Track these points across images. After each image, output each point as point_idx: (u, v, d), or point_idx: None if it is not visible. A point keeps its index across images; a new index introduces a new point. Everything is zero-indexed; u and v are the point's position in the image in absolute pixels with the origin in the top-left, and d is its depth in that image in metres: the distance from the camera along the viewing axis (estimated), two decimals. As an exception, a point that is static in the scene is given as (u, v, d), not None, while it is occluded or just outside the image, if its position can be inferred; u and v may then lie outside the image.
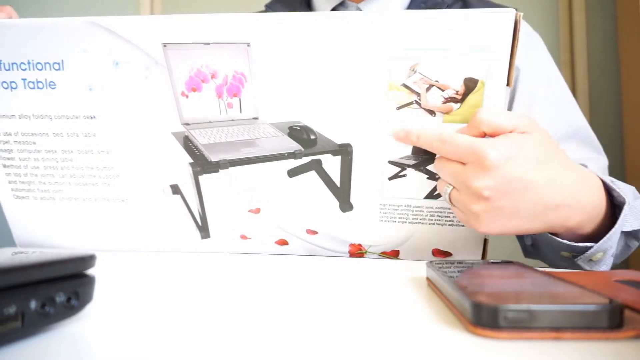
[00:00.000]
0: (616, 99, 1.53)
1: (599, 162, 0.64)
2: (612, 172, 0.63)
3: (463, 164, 0.39)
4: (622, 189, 0.51)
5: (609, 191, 0.43)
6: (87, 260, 0.26)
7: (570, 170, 0.40)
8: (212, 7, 1.64)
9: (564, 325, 0.22)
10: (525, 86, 0.66)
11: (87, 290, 0.26)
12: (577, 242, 0.44)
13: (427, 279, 0.35)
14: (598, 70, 1.54)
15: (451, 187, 0.41)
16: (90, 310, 0.27)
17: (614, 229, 0.42)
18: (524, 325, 0.22)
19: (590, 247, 0.43)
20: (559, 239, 0.44)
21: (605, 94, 1.53)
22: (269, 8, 0.79)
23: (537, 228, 0.40)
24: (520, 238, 0.63)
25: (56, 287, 0.24)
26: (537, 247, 0.57)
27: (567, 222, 0.40)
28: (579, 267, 0.47)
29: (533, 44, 0.69)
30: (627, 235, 0.53)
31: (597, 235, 0.43)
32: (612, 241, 0.43)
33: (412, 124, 0.42)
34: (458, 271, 0.32)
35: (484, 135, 0.39)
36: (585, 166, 0.55)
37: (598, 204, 0.41)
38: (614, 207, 0.44)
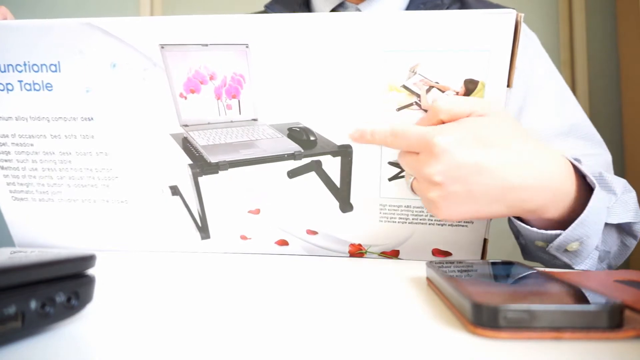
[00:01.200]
0: (616, 99, 1.53)
1: (602, 157, 0.63)
2: (613, 171, 0.63)
3: (417, 154, 0.39)
4: (611, 181, 0.50)
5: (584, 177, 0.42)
6: (87, 260, 0.26)
7: (532, 151, 0.39)
8: (212, 7, 1.64)
9: (564, 325, 0.22)
10: (520, 84, 0.66)
11: (87, 290, 0.26)
12: (545, 229, 0.43)
13: (427, 279, 0.35)
14: (598, 70, 1.54)
15: (412, 178, 0.41)
16: (90, 310, 0.27)
17: (583, 214, 0.41)
18: (524, 325, 0.22)
19: (559, 235, 0.42)
20: (527, 226, 0.43)
21: (605, 94, 1.53)
22: (268, 9, 0.79)
23: (498, 211, 0.39)
24: (517, 238, 0.62)
25: (56, 287, 0.24)
26: (518, 239, 0.56)
27: (528, 205, 0.39)
28: (559, 263, 0.46)
29: (529, 43, 0.69)
30: (621, 231, 0.52)
31: (569, 222, 0.42)
32: (587, 229, 0.42)
33: (368, 123, 0.41)
34: (458, 271, 0.32)
35: (443, 123, 0.39)
36: (580, 160, 0.55)
37: (565, 187, 0.40)
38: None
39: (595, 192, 0.41)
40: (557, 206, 0.41)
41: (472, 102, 0.39)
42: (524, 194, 0.38)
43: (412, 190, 0.42)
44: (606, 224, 0.48)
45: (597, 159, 0.61)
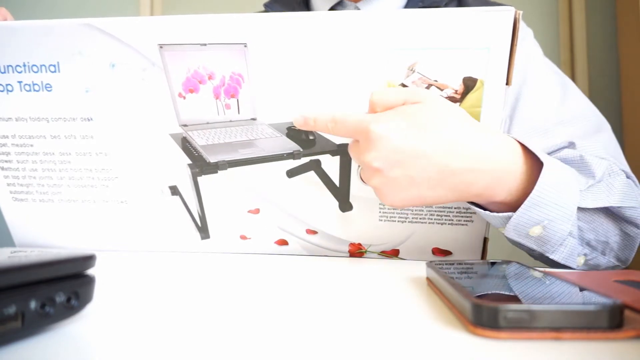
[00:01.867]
0: (616, 99, 1.53)
1: (609, 131, 0.59)
2: (622, 153, 0.60)
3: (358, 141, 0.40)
4: (591, 163, 0.47)
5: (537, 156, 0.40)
6: (87, 260, 0.26)
7: (472, 134, 0.38)
8: (212, 8, 1.64)
9: (564, 325, 0.22)
10: (516, 76, 0.64)
11: (87, 290, 0.26)
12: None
13: (427, 279, 0.35)
14: (598, 70, 1.54)
15: (360, 167, 0.42)
16: (90, 310, 0.27)
17: (534, 193, 0.39)
18: (524, 325, 0.22)
19: (511, 216, 0.40)
20: (482, 210, 0.43)
21: (605, 94, 1.54)
22: (268, 7, 0.79)
23: (443, 196, 0.39)
24: None
25: (56, 287, 0.24)
26: None
27: (472, 188, 0.39)
28: (534, 253, 0.45)
29: (524, 36, 0.69)
30: (616, 218, 0.48)
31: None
32: (545, 211, 0.40)
33: (308, 110, 0.42)
34: (458, 271, 0.32)
35: None
36: (574, 143, 0.53)
37: (510, 167, 0.39)
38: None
39: (545, 168, 0.39)
40: (504, 188, 0.40)
41: (405, 91, 0.40)
42: (465, 177, 0.38)
43: (361, 179, 0.42)
44: (588, 209, 0.46)
45: (599, 137, 0.57)
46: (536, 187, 0.39)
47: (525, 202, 0.39)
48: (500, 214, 0.41)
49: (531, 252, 0.47)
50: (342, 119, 0.39)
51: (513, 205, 0.41)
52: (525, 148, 0.41)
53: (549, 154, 0.53)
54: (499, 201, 0.41)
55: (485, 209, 0.43)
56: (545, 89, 0.63)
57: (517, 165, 0.40)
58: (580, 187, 0.44)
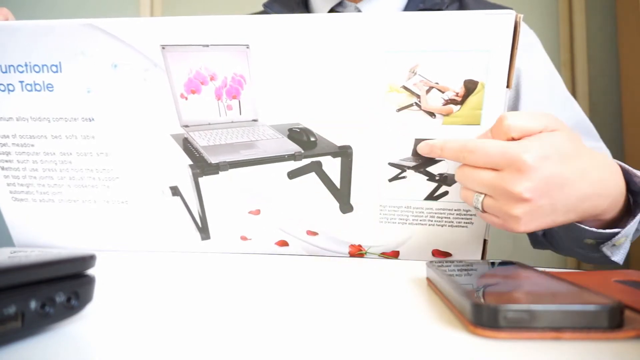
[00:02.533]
0: (616, 99, 1.53)
1: (604, 150, 0.65)
2: None
3: (494, 170, 0.38)
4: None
5: (625, 176, 0.44)
6: (87, 260, 0.26)
7: (595, 160, 0.40)
8: (212, 7, 1.64)
9: (564, 325, 0.22)
10: (529, 87, 0.66)
11: (87, 290, 0.26)
12: (598, 228, 0.45)
13: (427, 279, 0.35)
14: (598, 70, 1.54)
15: (482, 196, 0.40)
16: (90, 310, 0.27)
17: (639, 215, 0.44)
18: (524, 325, 0.22)
19: (617, 233, 0.44)
20: (586, 227, 0.45)
21: (605, 94, 1.54)
22: (267, 7, 0.79)
23: (570, 219, 0.40)
24: (543, 236, 0.63)
25: (56, 287, 0.24)
26: (552, 236, 0.57)
27: (597, 210, 0.41)
28: (596, 255, 0.48)
29: (531, 43, 0.70)
30: None
31: (615, 220, 0.45)
32: (635, 225, 0.45)
33: (437, 136, 0.43)
34: (458, 271, 0.32)
35: (512, 140, 0.39)
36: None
37: (621, 190, 0.43)
38: (629, 191, 0.45)
39: None
40: (617, 208, 0.43)
41: (542, 117, 0.39)
42: (594, 201, 0.40)
43: (483, 208, 0.41)
44: None
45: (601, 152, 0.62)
46: None
47: (634, 220, 0.44)
48: (610, 230, 0.45)
49: (591, 260, 0.52)
50: (482, 148, 0.38)
51: (610, 222, 0.45)
52: (622, 168, 0.44)
53: None
54: (607, 219, 0.44)
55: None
56: (546, 99, 0.66)
57: (623, 187, 0.43)
58: None
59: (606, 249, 0.46)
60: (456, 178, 0.42)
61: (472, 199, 0.41)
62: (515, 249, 0.53)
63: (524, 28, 0.70)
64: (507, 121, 0.38)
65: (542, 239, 0.61)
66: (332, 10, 0.74)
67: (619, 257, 0.48)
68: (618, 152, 1.48)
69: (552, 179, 0.37)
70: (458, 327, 0.25)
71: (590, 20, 1.55)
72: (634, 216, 0.44)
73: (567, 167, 0.38)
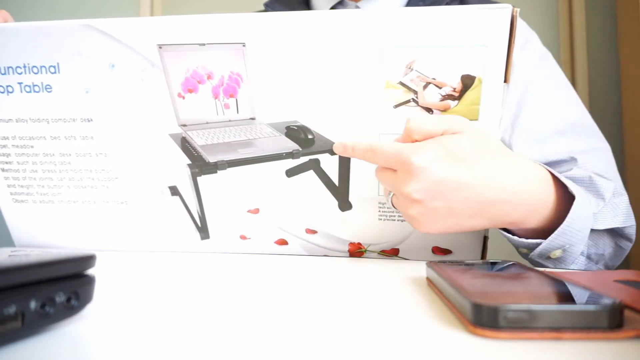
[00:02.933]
0: (616, 99, 1.53)
1: (605, 152, 0.62)
2: (615, 163, 0.62)
3: (393, 171, 0.39)
4: (600, 185, 0.50)
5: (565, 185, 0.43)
6: (87, 260, 0.26)
7: (509, 165, 0.39)
8: (213, 8, 1.64)
9: (564, 325, 0.22)
10: (518, 82, 0.64)
11: (87, 290, 0.26)
12: (530, 238, 0.44)
13: (427, 279, 0.35)
14: (598, 70, 1.54)
15: (391, 194, 0.42)
16: (90, 310, 0.27)
17: (564, 225, 0.41)
18: (524, 325, 0.22)
19: (540, 244, 0.43)
20: (510, 235, 0.44)
21: (605, 94, 1.54)
22: (268, 7, 0.79)
23: (479, 224, 0.39)
24: None
25: (56, 287, 0.24)
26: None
27: (508, 217, 0.40)
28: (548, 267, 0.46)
29: (529, 39, 0.69)
30: (614, 235, 0.52)
31: (553, 230, 0.42)
32: (569, 238, 0.42)
33: (351, 136, 0.43)
34: (458, 271, 0.32)
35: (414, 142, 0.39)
36: (576, 159, 0.55)
37: (543, 198, 0.41)
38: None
39: (576, 202, 0.41)
40: (537, 217, 0.41)
41: (445, 120, 0.39)
42: (503, 207, 0.39)
43: (393, 205, 0.42)
44: (596, 230, 0.49)
45: (599, 155, 0.60)
46: (567, 219, 0.41)
47: (556, 232, 0.42)
48: (529, 241, 0.43)
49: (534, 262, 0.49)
50: (381, 149, 0.39)
51: (539, 231, 0.43)
52: (554, 177, 0.42)
53: (547, 163, 0.55)
54: (529, 228, 0.42)
55: (510, 231, 0.45)
56: (546, 97, 0.64)
57: (550, 196, 0.41)
58: (593, 209, 0.47)
59: (539, 260, 0.45)
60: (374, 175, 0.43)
61: (387, 196, 0.43)
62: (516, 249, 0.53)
63: (524, 26, 0.70)
64: (409, 124, 0.39)
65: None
66: (332, 9, 0.74)
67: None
68: (618, 152, 1.48)
69: (444, 181, 0.37)
70: (458, 327, 0.25)
71: (590, 20, 1.54)
72: (568, 228, 0.42)
73: (463, 170, 0.37)
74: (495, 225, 0.41)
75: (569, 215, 0.41)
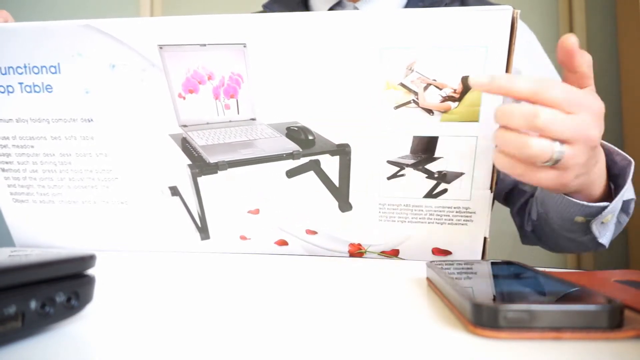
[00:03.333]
0: (616, 99, 1.53)
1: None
2: None
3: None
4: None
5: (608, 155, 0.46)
6: (87, 260, 0.26)
7: None
8: (213, 8, 1.64)
9: (564, 325, 0.22)
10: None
11: (87, 290, 0.26)
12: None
13: (427, 279, 0.35)
14: (598, 70, 1.53)
15: (564, 147, 0.35)
16: (90, 310, 0.27)
17: (625, 188, 0.44)
18: (524, 325, 0.22)
19: (606, 207, 0.44)
20: (575, 200, 0.45)
21: (605, 94, 1.53)
22: (267, 8, 0.79)
23: (579, 185, 0.41)
24: (521, 224, 0.64)
25: (56, 287, 0.24)
26: (541, 228, 0.58)
27: (596, 182, 0.43)
28: (584, 239, 0.48)
29: (529, 39, 0.70)
30: (620, 211, 0.54)
31: (598, 199, 0.45)
32: (619, 202, 0.45)
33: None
34: (458, 271, 0.32)
35: None
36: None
37: (604, 166, 0.44)
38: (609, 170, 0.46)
39: (631, 167, 0.45)
40: (602, 184, 0.44)
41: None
42: (600, 171, 0.43)
43: (561, 160, 0.36)
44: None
45: None
46: (627, 182, 0.45)
47: (620, 194, 0.45)
48: (598, 204, 0.45)
49: (579, 246, 0.53)
50: (564, 85, 0.37)
51: (594, 198, 0.45)
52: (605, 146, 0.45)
53: None
54: (591, 194, 0.45)
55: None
56: None
57: (605, 164, 0.44)
58: None
59: (595, 227, 0.47)
60: (539, 123, 0.34)
61: (554, 151, 0.35)
62: (515, 249, 0.53)
63: (523, 27, 0.70)
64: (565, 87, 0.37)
65: (530, 234, 0.61)
66: (330, 10, 0.74)
67: (605, 239, 0.49)
68: (618, 151, 1.48)
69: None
70: (458, 327, 0.25)
71: (590, 20, 1.55)
72: (621, 187, 0.45)
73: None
74: (579, 189, 0.42)
75: (629, 178, 0.44)
